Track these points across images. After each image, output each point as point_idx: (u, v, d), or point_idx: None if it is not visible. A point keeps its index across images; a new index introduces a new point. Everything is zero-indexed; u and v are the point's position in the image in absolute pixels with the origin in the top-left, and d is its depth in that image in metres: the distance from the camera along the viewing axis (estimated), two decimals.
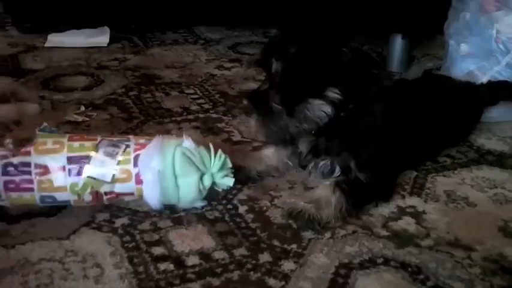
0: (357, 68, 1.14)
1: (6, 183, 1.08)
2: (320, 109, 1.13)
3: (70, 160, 1.09)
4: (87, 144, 1.11)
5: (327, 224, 1.12)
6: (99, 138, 1.13)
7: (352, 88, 1.13)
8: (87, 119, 1.55)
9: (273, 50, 1.14)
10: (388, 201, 1.20)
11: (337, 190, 1.15)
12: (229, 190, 1.22)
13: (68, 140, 1.12)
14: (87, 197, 1.10)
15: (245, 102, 1.14)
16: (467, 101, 1.45)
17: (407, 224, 1.15)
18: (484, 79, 1.52)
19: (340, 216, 1.13)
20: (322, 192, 1.16)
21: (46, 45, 2.11)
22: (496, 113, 1.55)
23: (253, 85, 1.69)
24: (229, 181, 1.16)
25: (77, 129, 1.49)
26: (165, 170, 1.10)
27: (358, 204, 1.16)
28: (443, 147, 1.40)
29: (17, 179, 1.08)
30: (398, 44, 1.91)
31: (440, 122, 1.33)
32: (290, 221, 1.13)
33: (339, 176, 1.19)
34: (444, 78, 1.58)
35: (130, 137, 1.16)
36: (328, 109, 1.13)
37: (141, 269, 1.00)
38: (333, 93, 1.12)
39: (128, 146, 1.12)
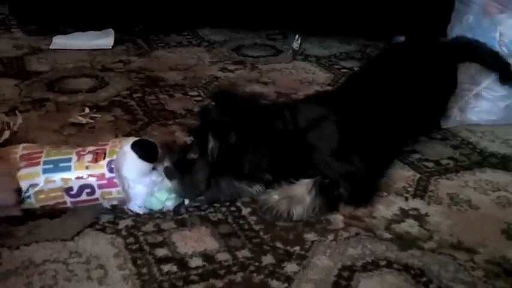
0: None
1: None
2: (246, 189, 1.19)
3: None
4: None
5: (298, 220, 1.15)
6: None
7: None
8: (92, 121, 1.55)
9: (212, 128, 1.15)
10: (366, 206, 1.20)
11: (314, 190, 1.16)
12: None
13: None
14: None
15: (167, 165, 1.15)
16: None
17: (410, 226, 1.15)
18: (487, 82, 1.52)
19: (312, 214, 1.16)
20: (299, 190, 1.16)
21: (51, 47, 2.12)
22: (499, 116, 1.55)
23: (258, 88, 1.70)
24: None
25: (81, 131, 1.49)
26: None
27: (332, 206, 1.18)
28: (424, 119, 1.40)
29: None
30: None
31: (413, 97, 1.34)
32: (260, 214, 1.16)
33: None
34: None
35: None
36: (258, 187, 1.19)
37: (144, 270, 1.00)
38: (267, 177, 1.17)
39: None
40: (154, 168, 1.15)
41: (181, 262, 1.03)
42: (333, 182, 1.17)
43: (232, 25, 2.33)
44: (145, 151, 1.14)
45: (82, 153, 1.13)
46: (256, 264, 1.03)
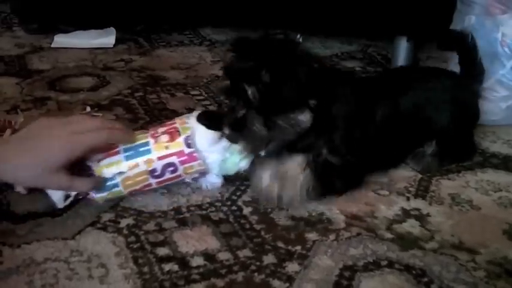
0: (325, 78, 1.15)
1: None
2: (301, 119, 1.14)
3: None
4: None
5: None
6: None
7: (322, 94, 1.14)
8: None
9: (242, 76, 1.12)
10: (359, 188, 1.22)
11: (307, 168, 1.16)
12: (234, 191, 1.23)
13: None
14: None
15: (226, 131, 1.13)
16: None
17: (411, 226, 1.15)
18: (489, 83, 1.52)
19: (307, 197, 1.16)
20: (292, 169, 1.16)
21: (52, 46, 2.12)
22: (500, 116, 1.55)
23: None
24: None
25: None
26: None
27: (328, 186, 1.18)
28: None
29: None
30: (403, 46, 1.91)
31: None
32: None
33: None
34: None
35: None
36: (308, 117, 1.14)
37: (145, 269, 1.00)
38: (312, 103, 1.13)
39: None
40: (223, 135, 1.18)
41: (183, 261, 1.03)
42: (324, 161, 1.17)
43: (233, 24, 2.32)
44: (211, 120, 1.18)
45: (156, 135, 1.17)
46: (258, 263, 1.03)
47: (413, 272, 1.02)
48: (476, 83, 1.42)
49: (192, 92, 1.76)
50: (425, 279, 1.00)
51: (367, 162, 1.25)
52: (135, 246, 1.06)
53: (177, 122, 1.20)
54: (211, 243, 1.08)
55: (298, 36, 2.13)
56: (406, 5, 1.84)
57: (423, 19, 1.86)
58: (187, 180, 1.22)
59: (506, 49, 1.51)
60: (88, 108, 1.60)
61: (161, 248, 1.06)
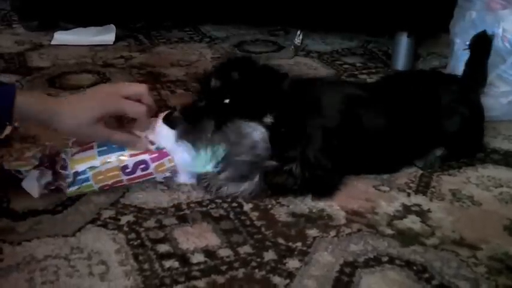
0: (293, 95, 1.15)
1: None
2: (254, 132, 1.14)
3: None
4: None
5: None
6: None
7: (285, 113, 1.14)
8: None
9: (215, 72, 1.15)
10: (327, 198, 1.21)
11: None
12: None
13: None
14: None
15: (173, 115, 1.15)
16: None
17: (412, 222, 1.15)
18: (490, 78, 1.52)
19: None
20: (245, 170, 1.18)
21: (52, 43, 2.11)
22: (501, 112, 1.55)
23: None
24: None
25: None
26: None
27: (278, 190, 1.20)
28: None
29: None
30: (403, 42, 1.91)
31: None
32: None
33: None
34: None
35: None
36: (260, 134, 1.14)
37: (146, 266, 1.00)
38: (269, 119, 1.13)
39: None
40: None
41: (183, 258, 1.03)
42: (282, 166, 1.18)
43: (234, 21, 2.32)
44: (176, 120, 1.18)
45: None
46: (258, 260, 1.03)
47: (414, 268, 1.02)
48: (480, 86, 1.43)
49: (193, 89, 1.76)
50: (426, 275, 1.00)
51: (352, 168, 1.26)
52: (135, 243, 1.06)
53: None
54: (212, 239, 1.08)
55: (299, 32, 2.14)
56: (407, 1, 1.84)
57: (424, 15, 1.86)
58: (158, 179, 1.21)
59: (507, 44, 1.51)
60: None
61: (161, 245, 1.06)
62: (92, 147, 1.17)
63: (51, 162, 1.17)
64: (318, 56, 2.06)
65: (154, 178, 1.20)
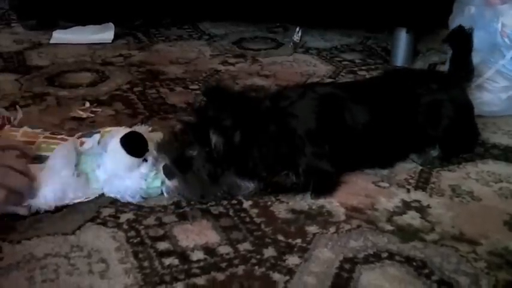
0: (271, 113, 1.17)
1: None
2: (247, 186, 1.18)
3: None
4: None
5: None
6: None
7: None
8: (92, 115, 1.55)
9: (213, 123, 1.13)
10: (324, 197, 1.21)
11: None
12: None
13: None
14: None
15: (168, 166, 1.13)
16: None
17: (412, 218, 1.15)
18: (489, 73, 1.52)
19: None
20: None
21: (51, 41, 2.11)
22: (501, 107, 1.55)
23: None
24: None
25: (82, 125, 1.49)
26: None
27: (277, 189, 1.20)
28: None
29: None
30: (402, 38, 1.91)
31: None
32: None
33: None
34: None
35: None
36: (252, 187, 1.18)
37: (146, 264, 1.00)
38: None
39: None
40: (144, 160, 1.17)
41: (183, 255, 1.03)
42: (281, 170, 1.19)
43: (232, 18, 2.32)
44: (134, 145, 1.15)
45: None
46: (258, 257, 1.03)
47: (414, 263, 1.02)
48: (465, 81, 1.41)
49: (192, 87, 1.76)
50: (426, 271, 1.00)
51: (346, 165, 1.26)
52: (135, 241, 1.06)
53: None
54: (212, 237, 1.08)
55: (298, 29, 2.13)
56: None
57: (423, 10, 1.85)
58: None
59: (506, 39, 1.50)
60: (87, 104, 1.60)
61: (161, 243, 1.06)
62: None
63: None
64: (317, 53, 2.06)
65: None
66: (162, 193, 1.18)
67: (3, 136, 1.18)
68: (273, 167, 1.17)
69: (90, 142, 1.18)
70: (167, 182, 1.15)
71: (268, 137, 1.14)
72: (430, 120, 1.30)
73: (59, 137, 1.21)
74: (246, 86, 1.33)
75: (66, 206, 1.15)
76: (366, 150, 1.26)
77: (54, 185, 1.10)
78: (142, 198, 1.17)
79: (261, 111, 1.16)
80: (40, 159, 1.14)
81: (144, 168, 1.16)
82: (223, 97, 1.17)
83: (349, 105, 1.24)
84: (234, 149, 1.11)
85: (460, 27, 1.39)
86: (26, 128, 1.23)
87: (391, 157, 1.33)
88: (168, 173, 1.13)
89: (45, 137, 1.20)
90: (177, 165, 1.13)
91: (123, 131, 1.18)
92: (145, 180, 1.16)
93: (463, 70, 1.41)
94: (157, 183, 1.17)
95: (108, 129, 1.22)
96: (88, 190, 1.15)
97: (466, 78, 1.41)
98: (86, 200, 1.15)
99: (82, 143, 1.18)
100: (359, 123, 1.24)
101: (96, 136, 1.19)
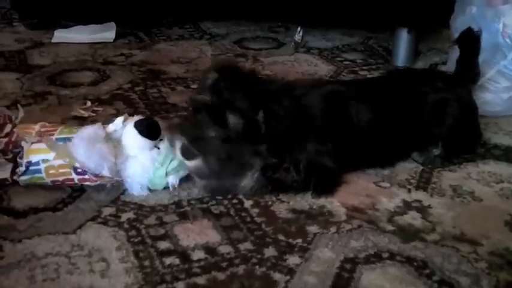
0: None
1: None
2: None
3: None
4: None
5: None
6: None
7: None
8: (93, 114, 1.55)
9: (232, 104, 1.12)
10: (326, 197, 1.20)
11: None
12: None
13: None
14: None
15: (186, 146, 1.13)
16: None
17: (413, 218, 1.14)
18: (490, 73, 1.51)
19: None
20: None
21: (53, 41, 2.11)
22: (502, 107, 1.55)
23: None
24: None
25: (83, 125, 1.48)
26: None
27: (277, 187, 1.20)
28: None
29: None
30: (404, 38, 1.91)
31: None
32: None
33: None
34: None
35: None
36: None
37: (146, 263, 1.00)
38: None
39: None
40: (156, 147, 1.19)
41: (184, 255, 1.03)
42: (281, 164, 1.18)
43: (234, 18, 2.32)
44: (147, 128, 1.18)
45: None
46: (259, 256, 1.03)
47: (415, 263, 1.02)
48: (471, 82, 1.42)
49: (193, 86, 1.76)
50: (427, 271, 1.00)
51: (348, 164, 1.26)
52: (136, 240, 1.06)
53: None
54: (212, 236, 1.08)
55: (299, 29, 2.13)
56: None
57: (424, 10, 1.85)
58: (108, 185, 1.19)
59: (508, 40, 1.50)
60: (88, 103, 1.60)
61: (162, 242, 1.06)
62: (46, 138, 1.17)
63: (15, 153, 1.17)
64: (319, 53, 2.05)
65: (108, 181, 1.18)
66: (167, 187, 1.20)
67: (21, 133, 1.20)
68: (292, 146, 1.17)
69: (112, 126, 1.22)
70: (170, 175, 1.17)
71: (289, 117, 1.13)
72: (435, 118, 1.31)
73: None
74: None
75: (67, 205, 1.15)
76: (370, 148, 1.26)
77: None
78: (149, 190, 1.19)
79: (277, 94, 1.16)
80: (63, 141, 1.17)
81: (155, 153, 1.18)
82: (237, 77, 1.17)
83: (354, 103, 1.25)
84: (254, 129, 1.11)
85: (470, 29, 1.40)
86: (43, 123, 1.26)
87: (394, 155, 1.33)
88: (187, 154, 1.13)
89: (65, 126, 1.25)
90: (196, 146, 1.12)
91: (137, 117, 1.23)
92: (154, 165, 1.18)
93: (469, 72, 1.41)
94: (162, 172, 1.18)
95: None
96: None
97: (472, 80, 1.42)
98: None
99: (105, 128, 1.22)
100: (364, 120, 1.24)
101: (119, 119, 1.22)
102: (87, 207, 1.15)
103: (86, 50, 2.03)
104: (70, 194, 1.19)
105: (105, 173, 1.14)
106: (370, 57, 2.02)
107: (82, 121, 1.51)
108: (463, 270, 1.00)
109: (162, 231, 1.09)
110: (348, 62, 1.97)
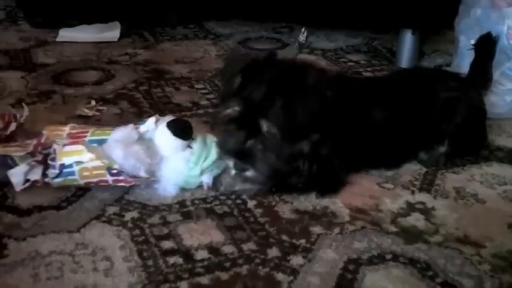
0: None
1: None
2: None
3: None
4: None
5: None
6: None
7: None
8: (98, 113, 1.56)
9: (257, 108, 1.12)
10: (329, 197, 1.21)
11: None
12: None
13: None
14: None
15: (236, 162, 1.15)
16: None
17: (416, 220, 1.15)
18: (495, 76, 1.51)
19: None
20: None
21: (57, 39, 2.12)
22: (506, 110, 1.55)
23: None
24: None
25: (88, 124, 1.49)
26: None
27: (283, 188, 1.21)
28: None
29: None
30: (408, 39, 1.91)
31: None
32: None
33: None
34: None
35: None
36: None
37: (150, 262, 1.01)
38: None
39: None
40: (189, 147, 1.20)
41: (187, 254, 1.03)
42: (290, 163, 1.19)
43: (238, 18, 2.32)
44: (180, 128, 1.19)
45: None
46: (262, 257, 1.03)
47: (418, 265, 1.02)
48: (482, 87, 1.42)
49: (197, 86, 1.76)
50: (430, 273, 1.00)
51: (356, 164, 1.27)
52: (139, 239, 1.07)
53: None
54: (216, 236, 1.08)
55: (303, 30, 2.13)
56: None
57: (428, 12, 1.85)
58: (142, 184, 1.20)
59: None
60: (93, 102, 1.60)
61: (166, 241, 1.06)
62: (83, 141, 1.17)
63: (45, 155, 1.17)
64: (323, 54, 2.06)
65: (142, 181, 1.19)
66: (200, 185, 1.21)
67: (50, 135, 1.21)
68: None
69: (144, 126, 1.22)
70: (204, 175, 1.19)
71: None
72: (445, 114, 1.31)
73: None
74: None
75: (71, 204, 1.16)
76: (380, 146, 1.26)
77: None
78: (184, 189, 1.20)
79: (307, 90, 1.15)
80: (97, 142, 1.17)
81: (188, 153, 1.19)
82: (261, 76, 1.16)
83: (369, 102, 1.25)
84: (290, 128, 1.12)
85: (489, 34, 1.41)
86: (73, 124, 1.27)
87: (401, 155, 1.33)
88: (240, 168, 1.15)
89: (97, 128, 1.25)
90: (243, 160, 1.14)
91: (169, 117, 1.23)
92: (188, 165, 1.18)
93: (482, 76, 1.42)
94: (196, 172, 1.19)
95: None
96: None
97: (483, 86, 1.42)
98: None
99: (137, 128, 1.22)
100: (378, 119, 1.24)
101: (150, 120, 1.22)
102: (92, 205, 1.16)
103: (91, 49, 2.04)
104: (74, 192, 1.20)
105: (142, 174, 1.15)
106: (374, 59, 2.02)
107: (86, 120, 1.52)
108: (466, 272, 1.00)
109: (165, 230, 1.09)
110: (351, 63, 1.98)
